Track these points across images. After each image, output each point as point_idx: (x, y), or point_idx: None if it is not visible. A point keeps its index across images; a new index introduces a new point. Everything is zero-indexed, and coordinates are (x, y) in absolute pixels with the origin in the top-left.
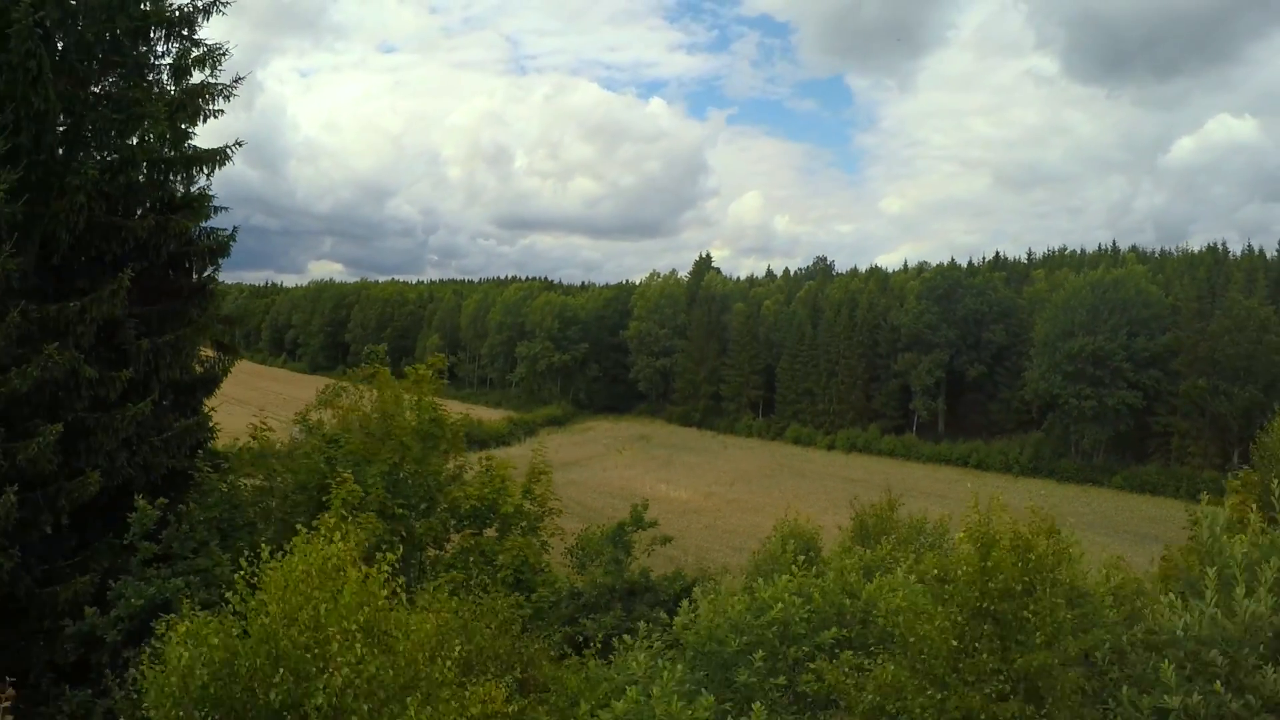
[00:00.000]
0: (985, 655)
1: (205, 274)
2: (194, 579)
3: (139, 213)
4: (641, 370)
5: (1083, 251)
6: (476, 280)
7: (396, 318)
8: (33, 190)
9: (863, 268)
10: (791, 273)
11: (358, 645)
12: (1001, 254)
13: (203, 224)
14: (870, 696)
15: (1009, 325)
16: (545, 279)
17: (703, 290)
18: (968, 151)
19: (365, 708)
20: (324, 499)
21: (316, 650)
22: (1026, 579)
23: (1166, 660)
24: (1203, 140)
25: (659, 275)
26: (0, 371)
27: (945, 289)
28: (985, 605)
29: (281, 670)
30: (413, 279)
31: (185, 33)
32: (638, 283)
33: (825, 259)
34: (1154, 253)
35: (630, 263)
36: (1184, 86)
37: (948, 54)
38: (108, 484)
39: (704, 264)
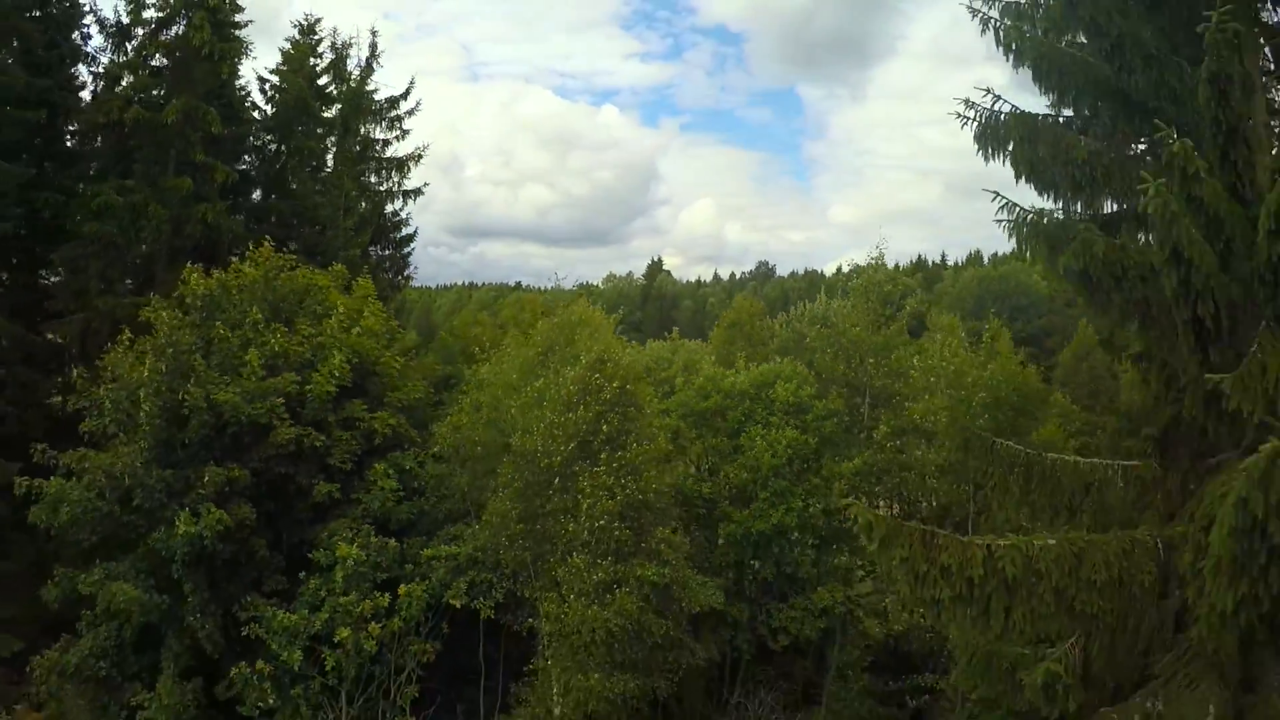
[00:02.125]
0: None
1: (405, 251)
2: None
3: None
4: None
5: (996, 254)
6: (434, 286)
7: None
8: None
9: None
10: (736, 276)
11: None
12: (923, 256)
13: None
14: None
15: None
16: (504, 285)
17: (655, 290)
18: (918, 161)
19: None
20: None
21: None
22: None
23: None
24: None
25: (616, 277)
26: None
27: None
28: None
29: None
30: None
31: (395, 121)
32: (596, 285)
33: (767, 263)
34: None
35: (582, 270)
36: None
37: (898, 64)
38: None
39: (656, 267)
